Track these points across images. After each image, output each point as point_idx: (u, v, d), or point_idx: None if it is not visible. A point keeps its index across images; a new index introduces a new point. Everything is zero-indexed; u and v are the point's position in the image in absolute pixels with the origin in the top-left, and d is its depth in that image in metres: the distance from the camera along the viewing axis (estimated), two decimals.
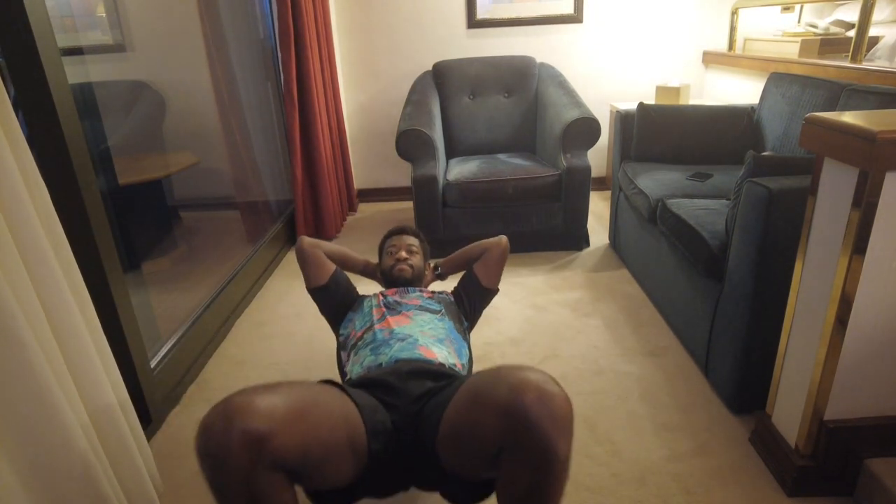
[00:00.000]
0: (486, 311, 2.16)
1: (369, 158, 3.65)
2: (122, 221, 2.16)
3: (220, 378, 1.86)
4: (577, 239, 2.72)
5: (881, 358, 1.20)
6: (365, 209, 3.55)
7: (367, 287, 1.80)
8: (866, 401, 1.24)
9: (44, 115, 1.23)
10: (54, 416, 1.01)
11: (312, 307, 2.27)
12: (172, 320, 1.93)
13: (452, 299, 1.61)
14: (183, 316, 1.96)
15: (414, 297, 1.53)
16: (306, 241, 1.63)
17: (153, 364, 1.65)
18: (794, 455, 1.30)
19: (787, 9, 3.14)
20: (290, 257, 2.84)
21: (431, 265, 1.79)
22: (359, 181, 3.67)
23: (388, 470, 1.04)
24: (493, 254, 1.63)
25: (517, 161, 2.76)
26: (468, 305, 1.61)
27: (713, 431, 1.52)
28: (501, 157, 2.88)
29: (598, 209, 3.30)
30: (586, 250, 2.74)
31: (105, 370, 1.21)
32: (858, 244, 1.10)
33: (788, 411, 1.33)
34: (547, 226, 2.64)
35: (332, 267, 1.63)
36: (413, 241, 1.70)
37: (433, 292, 1.58)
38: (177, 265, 2.66)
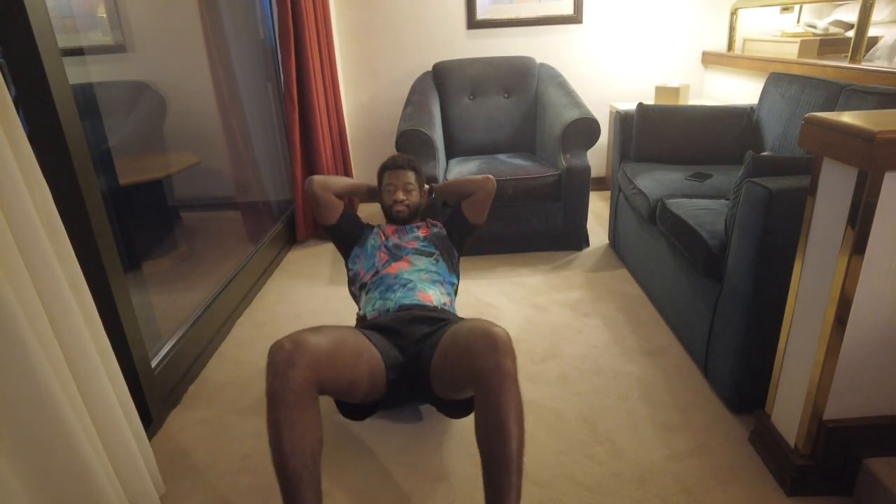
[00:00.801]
0: (486, 311, 2.19)
1: (369, 158, 3.65)
2: (123, 221, 2.17)
3: (221, 378, 1.86)
4: (576, 239, 2.72)
5: (880, 358, 1.21)
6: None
7: (372, 212, 1.95)
8: (865, 400, 1.25)
9: (45, 115, 1.23)
10: (55, 416, 1.01)
11: (312, 307, 2.30)
12: (173, 320, 1.93)
13: (445, 233, 1.84)
14: (183, 316, 1.97)
15: (411, 238, 1.76)
16: (317, 182, 1.78)
17: (154, 364, 1.65)
18: (794, 455, 1.31)
19: (786, 9, 3.14)
20: (291, 257, 2.85)
21: (427, 188, 1.95)
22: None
23: (398, 392, 1.42)
24: (478, 196, 1.81)
25: (517, 161, 2.76)
26: (458, 239, 1.85)
27: (713, 431, 1.52)
28: (501, 157, 2.89)
29: (598, 209, 3.30)
30: (586, 250, 2.75)
31: (106, 370, 1.21)
32: (858, 244, 1.10)
33: (788, 411, 1.34)
34: (547, 226, 2.64)
35: (341, 207, 1.82)
36: (410, 177, 1.84)
37: (429, 228, 1.82)
38: (177, 265, 2.67)
